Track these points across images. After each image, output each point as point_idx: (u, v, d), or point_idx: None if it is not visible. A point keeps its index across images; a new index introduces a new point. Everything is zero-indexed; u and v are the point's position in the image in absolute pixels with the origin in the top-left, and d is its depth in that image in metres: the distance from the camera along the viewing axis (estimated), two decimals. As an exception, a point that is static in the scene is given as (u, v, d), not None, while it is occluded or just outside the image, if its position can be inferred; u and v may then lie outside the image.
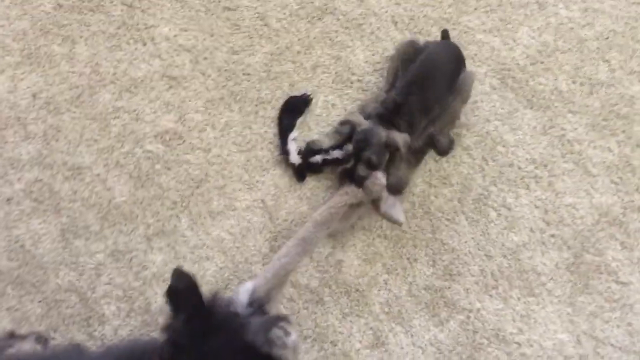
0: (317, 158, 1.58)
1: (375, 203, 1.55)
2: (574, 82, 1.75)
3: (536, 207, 1.64)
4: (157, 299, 1.60)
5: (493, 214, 1.64)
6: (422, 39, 1.74)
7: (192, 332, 1.11)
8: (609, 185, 1.66)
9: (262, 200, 1.67)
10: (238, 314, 1.20)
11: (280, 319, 1.20)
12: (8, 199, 1.68)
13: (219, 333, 1.11)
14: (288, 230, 1.63)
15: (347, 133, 1.58)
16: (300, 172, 1.64)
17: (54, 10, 1.83)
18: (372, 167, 1.51)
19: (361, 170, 1.52)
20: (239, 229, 1.65)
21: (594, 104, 1.73)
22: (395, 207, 1.56)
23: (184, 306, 1.13)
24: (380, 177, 1.54)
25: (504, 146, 1.70)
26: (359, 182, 1.51)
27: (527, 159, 1.68)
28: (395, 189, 1.57)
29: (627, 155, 1.68)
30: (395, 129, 1.55)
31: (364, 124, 1.55)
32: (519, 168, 1.67)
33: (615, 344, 1.53)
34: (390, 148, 1.51)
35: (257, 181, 1.68)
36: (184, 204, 1.67)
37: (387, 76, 1.72)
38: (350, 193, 1.55)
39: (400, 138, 1.50)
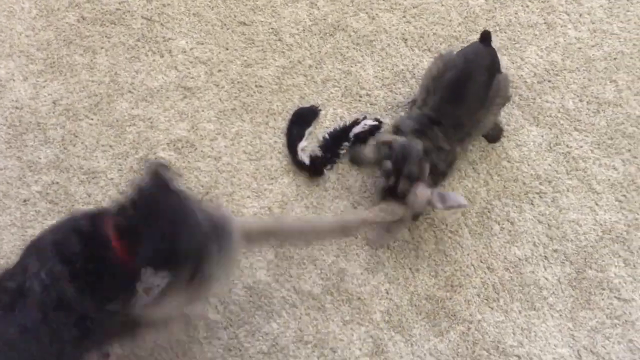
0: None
1: (415, 216, 1.64)
2: (580, 101, 1.86)
3: (539, 222, 1.73)
4: None
5: (496, 228, 1.73)
6: (457, 47, 1.82)
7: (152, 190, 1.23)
8: (613, 202, 1.74)
9: (269, 208, 1.79)
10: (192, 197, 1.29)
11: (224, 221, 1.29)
12: (25, 200, 1.83)
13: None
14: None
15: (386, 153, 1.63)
16: (315, 170, 1.79)
17: (77, 22, 2.01)
18: (413, 179, 1.56)
19: (403, 184, 1.57)
20: None
21: (600, 122, 1.83)
22: (449, 197, 1.57)
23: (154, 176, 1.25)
24: (423, 188, 1.57)
25: (508, 161, 1.80)
26: (402, 197, 1.57)
27: (531, 175, 1.78)
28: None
29: (632, 174, 1.77)
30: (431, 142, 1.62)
31: (400, 139, 1.61)
32: (524, 183, 1.77)
33: None
34: (441, 163, 1.61)
35: (265, 189, 1.81)
36: None
37: (420, 93, 1.77)
38: (390, 212, 1.59)
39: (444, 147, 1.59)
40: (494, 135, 1.80)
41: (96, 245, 1.24)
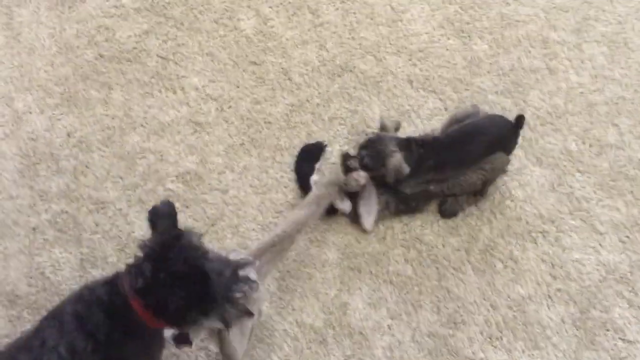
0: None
1: (353, 199, 1.75)
2: (583, 143, 1.91)
3: (543, 261, 1.76)
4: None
5: (499, 265, 1.76)
6: (486, 109, 1.93)
7: (163, 248, 1.24)
8: (616, 243, 1.77)
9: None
10: (202, 248, 1.30)
11: (242, 264, 1.34)
12: (34, 228, 1.88)
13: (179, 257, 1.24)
14: (296, 270, 1.78)
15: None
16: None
17: (94, 59, 2.11)
18: (363, 166, 1.73)
19: (352, 162, 1.75)
20: None
21: (602, 164, 1.88)
22: (370, 215, 1.77)
23: (161, 226, 1.29)
24: (362, 176, 1.73)
25: (512, 200, 1.84)
26: (346, 169, 1.75)
27: (534, 214, 1.82)
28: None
29: (635, 215, 1.80)
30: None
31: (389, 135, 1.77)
32: (527, 222, 1.81)
33: None
34: (390, 170, 1.70)
35: (270, 222, 1.85)
36: None
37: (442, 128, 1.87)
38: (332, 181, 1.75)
39: (397, 161, 1.68)
40: (450, 210, 1.84)
41: (118, 312, 1.24)
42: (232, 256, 1.43)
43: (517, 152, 1.92)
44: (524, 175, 1.90)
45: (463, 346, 1.68)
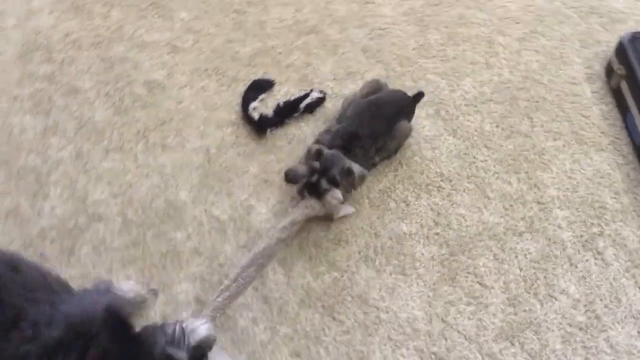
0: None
1: (328, 216, 2.00)
2: (497, 127, 2.22)
3: (431, 209, 2.05)
4: (97, 195, 2.08)
5: (392, 205, 2.06)
6: (388, 83, 2.27)
7: None
8: (499, 209, 2.05)
9: (207, 149, 2.17)
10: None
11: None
12: (15, 97, 2.29)
13: None
14: (220, 173, 2.15)
15: (315, 156, 2.02)
16: (261, 126, 2.20)
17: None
18: (335, 184, 1.96)
19: (324, 184, 1.96)
20: (180, 163, 2.15)
21: (508, 146, 2.18)
22: (345, 208, 2.03)
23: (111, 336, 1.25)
24: (338, 193, 1.97)
25: (420, 158, 2.16)
26: (321, 194, 1.95)
27: (436, 172, 2.12)
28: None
29: (523, 190, 2.08)
30: (353, 156, 2.03)
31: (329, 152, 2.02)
32: (427, 177, 2.11)
33: (462, 331, 1.84)
34: (349, 177, 1.99)
35: (210, 133, 2.21)
36: (145, 134, 2.21)
37: (342, 106, 2.21)
38: (310, 207, 1.97)
39: (358, 170, 1.99)
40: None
41: None
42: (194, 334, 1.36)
43: (437, 122, 2.24)
44: (437, 141, 2.20)
45: (340, 260, 1.96)
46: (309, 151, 2.04)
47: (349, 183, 2.00)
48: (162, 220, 2.03)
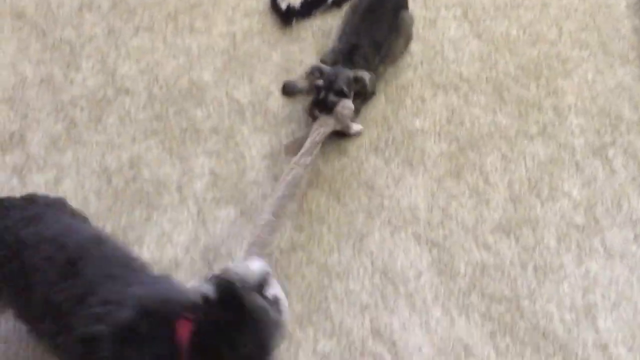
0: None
1: (344, 129, 2.02)
2: (524, 32, 2.23)
3: (446, 108, 2.09)
4: (125, 70, 2.20)
5: (408, 101, 2.10)
6: None
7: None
8: (514, 112, 2.08)
9: (234, 34, 2.24)
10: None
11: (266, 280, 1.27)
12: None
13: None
14: (244, 58, 2.22)
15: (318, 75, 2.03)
16: (287, 16, 2.26)
17: None
18: (343, 95, 1.96)
19: (332, 97, 1.97)
20: (206, 46, 2.22)
21: (532, 52, 2.20)
22: (356, 125, 2.05)
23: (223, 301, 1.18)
24: (349, 102, 1.99)
25: (442, 59, 2.18)
26: (331, 107, 1.96)
27: (456, 72, 2.15)
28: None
29: (541, 96, 2.11)
30: (356, 68, 2.03)
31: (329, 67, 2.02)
32: (446, 77, 2.14)
33: (460, 222, 1.92)
34: (359, 84, 1.99)
35: (237, 20, 2.28)
36: (175, 16, 2.28)
37: (340, 26, 2.18)
38: (325, 124, 1.96)
39: (366, 75, 2.00)
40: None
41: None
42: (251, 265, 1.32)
43: (464, 24, 2.25)
44: (461, 43, 2.22)
45: (351, 148, 2.04)
46: (310, 71, 2.04)
47: (361, 93, 2.02)
48: (184, 98, 2.13)
